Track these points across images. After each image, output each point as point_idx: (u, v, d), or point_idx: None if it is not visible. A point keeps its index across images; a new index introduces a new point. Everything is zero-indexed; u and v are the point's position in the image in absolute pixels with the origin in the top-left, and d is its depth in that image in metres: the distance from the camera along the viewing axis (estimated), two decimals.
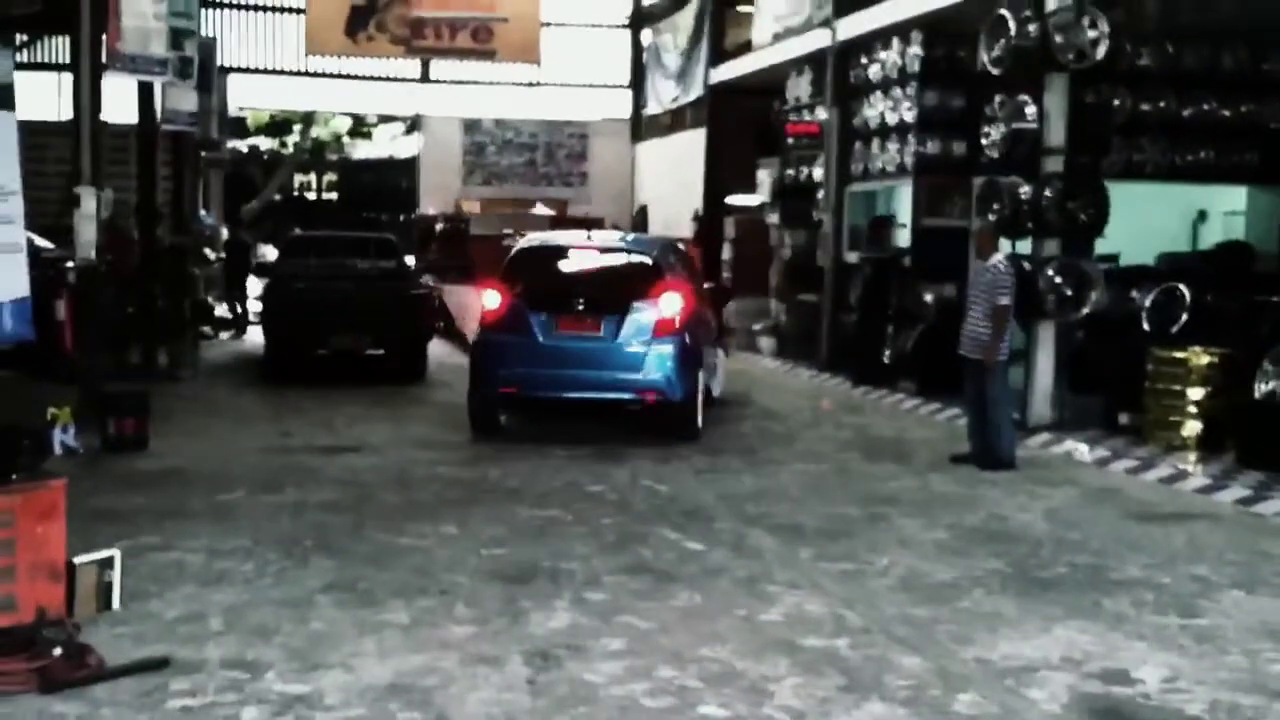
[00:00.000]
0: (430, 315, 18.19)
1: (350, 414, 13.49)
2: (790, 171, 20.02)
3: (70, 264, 13.29)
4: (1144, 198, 15.33)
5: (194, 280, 21.21)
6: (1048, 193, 12.37)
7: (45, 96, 26.09)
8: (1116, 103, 14.36)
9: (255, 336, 20.09)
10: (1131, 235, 14.29)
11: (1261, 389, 10.70)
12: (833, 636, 6.35)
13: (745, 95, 23.22)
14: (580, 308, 11.96)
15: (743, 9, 23.91)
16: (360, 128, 41.65)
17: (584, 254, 12.90)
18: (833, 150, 18.25)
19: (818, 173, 18.94)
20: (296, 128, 40.65)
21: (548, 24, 31.38)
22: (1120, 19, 13.09)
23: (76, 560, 5.68)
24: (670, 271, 12.47)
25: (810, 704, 5.47)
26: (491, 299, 12.31)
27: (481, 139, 32.19)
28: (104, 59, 13.39)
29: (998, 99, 13.24)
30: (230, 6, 30.13)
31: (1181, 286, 12.60)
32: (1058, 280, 12.34)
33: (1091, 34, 12.24)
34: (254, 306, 22.24)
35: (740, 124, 23.51)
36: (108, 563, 5.79)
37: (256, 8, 30.53)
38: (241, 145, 38.97)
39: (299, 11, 30.47)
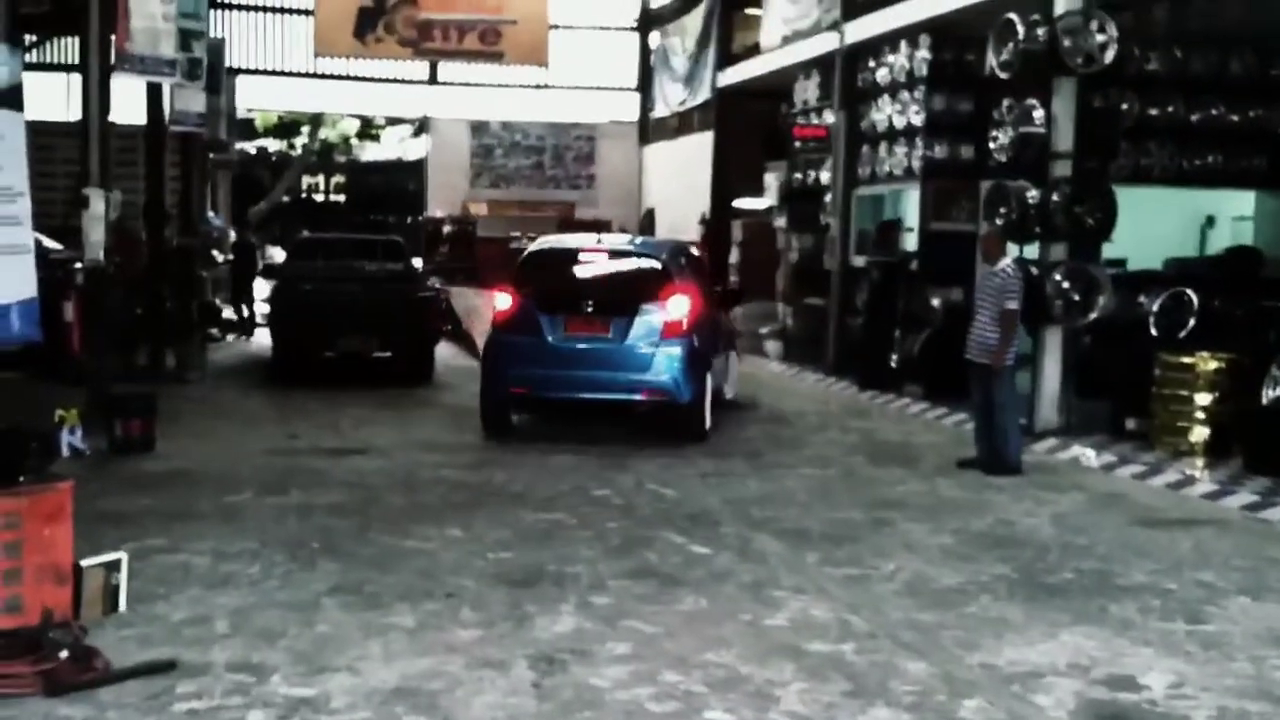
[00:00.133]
0: (437, 317, 18.21)
1: (357, 416, 13.51)
2: (798, 175, 20.01)
3: (78, 265, 13.33)
4: (1152, 202, 15.30)
5: (202, 282, 21.25)
6: (1055, 197, 12.35)
7: (54, 97, 26.14)
8: (1124, 107, 14.36)
9: (262, 339, 20.12)
10: (1139, 240, 14.27)
11: (1269, 394, 10.67)
12: (838, 642, 6.35)
13: (753, 98, 23.20)
14: (589, 310, 12.11)
15: (751, 12, 23.88)
16: (368, 130, 41.65)
17: (594, 256, 12.98)
18: (840, 154, 18.23)
19: (825, 176, 18.92)
20: (304, 129, 40.65)
21: (555, 26, 31.38)
22: (1128, 24, 13.09)
23: (83, 562, 5.68)
24: (679, 274, 12.56)
25: (816, 709, 5.47)
26: (503, 300, 12.46)
27: (489, 141, 32.22)
28: (113, 60, 13.41)
29: (1005, 103, 13.24)
30: (239, 8, 30.15)
31: (1189, 291, 12.56)
32: (1065, 285, 12.32)
33: (1100, 38, 12.22)
34: (261, 309, 22.28)
35: (748, 127, 23.49)
36: (114, 565, 5.79)
37: (265, 9, 30.55)
38: (249, 147, 38.98)
39: (307, 13, 30.50)
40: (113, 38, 13.34)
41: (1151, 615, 6.94)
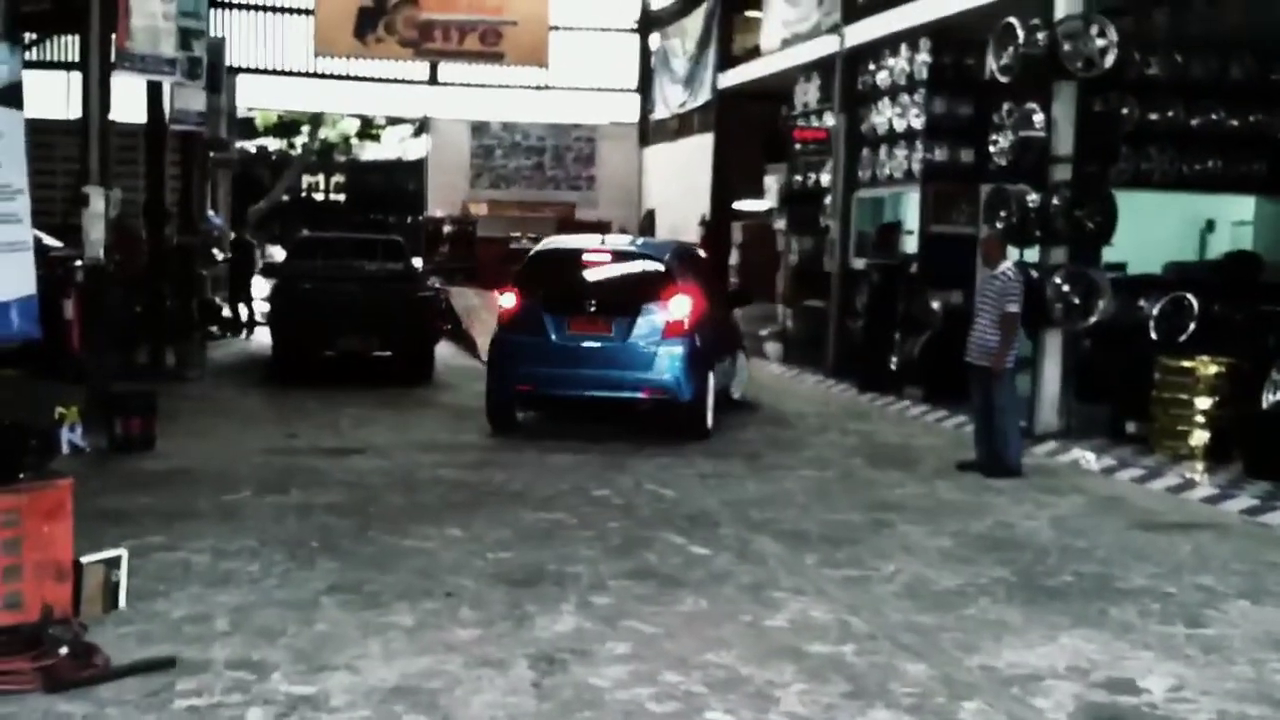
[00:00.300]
0: (437, 317, 18.21)
1: (356, 416, 13.51)
2: (798, 177, 20.02)
3: (78, 263, 13.32)
4: (1152, 207, 15.31)
5: (201, 280, 21.24)
6: (1055, 201, 12.35)
7: (54, 95, 26.11)
8: (1125, 111, 14.38)
9: (262, 337, 20.12)
10: (1139, 244, 14.28)
11: (1269, 399, 10.68)
12: (838, 643, 6.35)
13: (753, 100, 23.21)
14: (592, 309, 12.31)
15: (751, 14, 23.89)
16: (368, 129, 41.69)
17: (597, 257, 13.09)
18: (840, 156, 18.23)
19: (825, 178, 18.93)
20: (305, 129, 40.69)
21: (556, 27, 31.41)
22: (1129, 28, 13.10)
23: (83, 559, 5.68)
24: (681, 275, 12.71)
25: (815, 710, 5.47)
26: (508, 300, 12.65)
27: (489, 142, 32.25)
28: (113, 58, 13.41)
29: (1006, 107, 13.25)
30: (239, 7, 30.17)
31: (1189, 296, 12.58)
32: (1065, 289, 12.32)
33: (1100, 43, 12.23)
34: (260, 308, 22.27)
35: (748, 129, 23.50)
36: (114, 562, 5.79)
37: (265, 8, 30.57)
38: (250, 146, 39.00)
39: (308, 13, 30.51)
40: (113, 36, 13.35)
41: (1151, 619, 6.95)
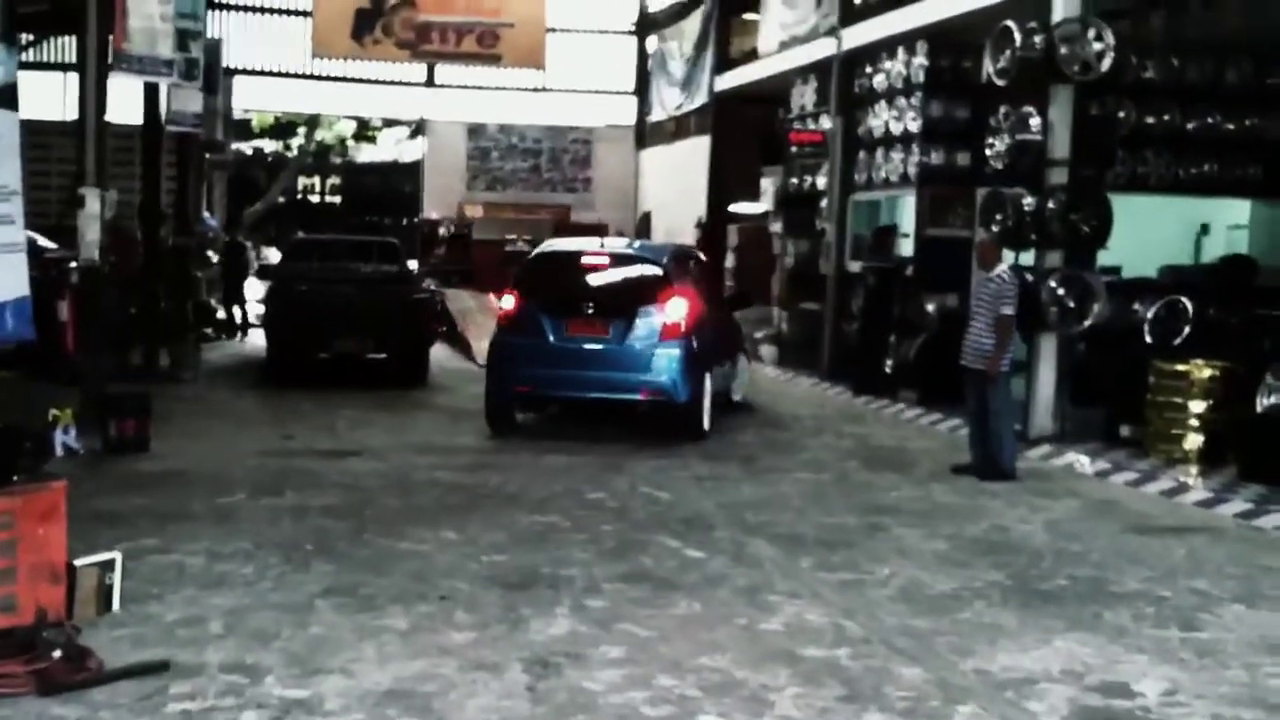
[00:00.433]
0: (433, 319, 18.21)
1: (351, 418, 13.50)
2: (794, 180, 20.02)
3: (73, 265, 13.30)
4: (1147, 210, 15.31)
5: (197, 282, 21.22)
6: (1051, 204, 12.36)
7: (50, 96, 26.07)
8: (1121, 115, 14.37)
9: (255, 339, 20.10)
10: (1134, 248, 14.29)
11: (1263, 403, 10.70)
12: (833, 646, 6.35)
13: (750, 103, 23.22)
14: (590, 311, 12.42)
15: (749, 17, 23.90)
16: (365, 131, 41.66)
17: (596, 260, 13.17)
18: (836, 159, 18.24)
19: (821, 181, 18.94)
20: (301, 130, 40.67)
21: (553, 30, 31.40)
22: (1125, 32, 13.11)
23: (77, 562, 5.68)
24: (678, 278, 12.81)
25: (810, 714, 5.47)
26: (508, 302, 12.78)
27: (486, 144, 32.24)
28: (110, 59, 13.39)
29: (1002, 110, 13.26)
30: (236, 8, 30.17)
31: (1184, 299, 12.60)
32: (1060, 292, 12.34)
33: (1096, 46, 12.24)
34: (253, 310, 22.26)
35: (744, 132, 23.51)
36: (108, 565, 5.79)
37: (263, 10, 30.56)
38: (246, 147, 38.98)
39: (305, 14, 30.51)
40: (110, 37, 13.33)
41: (1145, 622, 6.95)
